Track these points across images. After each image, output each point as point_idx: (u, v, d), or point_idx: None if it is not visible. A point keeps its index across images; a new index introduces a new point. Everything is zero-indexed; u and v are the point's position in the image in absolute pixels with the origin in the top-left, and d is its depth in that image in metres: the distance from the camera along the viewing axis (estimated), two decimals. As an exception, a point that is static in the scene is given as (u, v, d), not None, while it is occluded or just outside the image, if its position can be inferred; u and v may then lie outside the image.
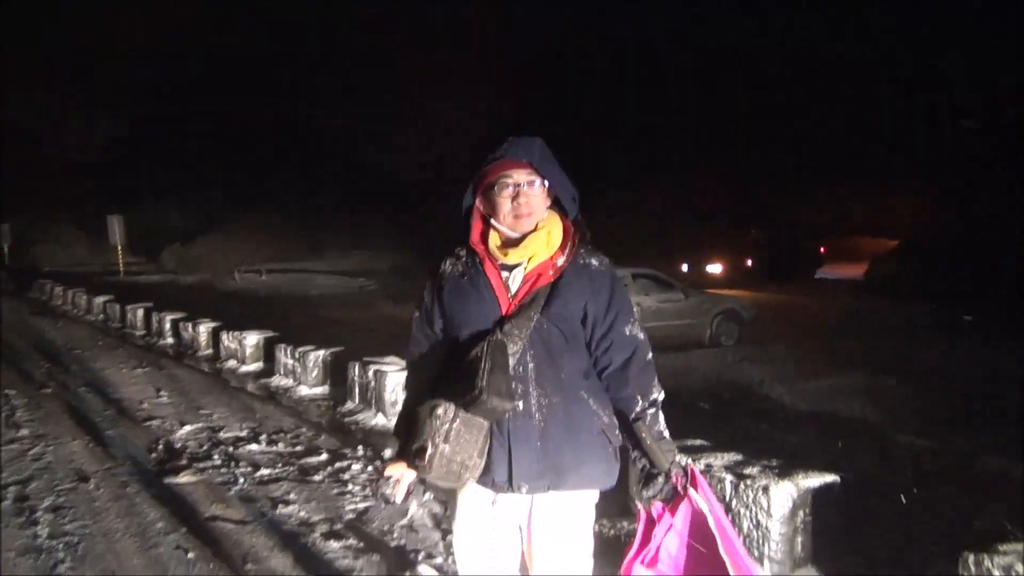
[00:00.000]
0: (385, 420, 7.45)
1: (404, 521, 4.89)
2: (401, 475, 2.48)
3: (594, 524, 2.54)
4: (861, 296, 23.01)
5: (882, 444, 7.17)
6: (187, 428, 7.44)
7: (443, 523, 4.75)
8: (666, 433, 2.45)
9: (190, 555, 4.49)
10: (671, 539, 2.34)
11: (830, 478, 4.29)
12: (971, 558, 3.23)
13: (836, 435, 7.37)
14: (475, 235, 2.48)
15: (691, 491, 2.33)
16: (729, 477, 4.30)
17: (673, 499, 2.36)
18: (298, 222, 38.76)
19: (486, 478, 2.38)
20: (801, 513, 4.18)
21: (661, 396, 2.48)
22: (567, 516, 2.44)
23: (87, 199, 38.77)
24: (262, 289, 27.64)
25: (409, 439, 2.35)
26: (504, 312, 2.40)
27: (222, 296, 24.16)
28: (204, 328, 12.34)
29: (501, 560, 2.49)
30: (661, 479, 2.38)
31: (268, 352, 10.61)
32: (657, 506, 2.38)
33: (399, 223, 35.51)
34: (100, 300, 18.74)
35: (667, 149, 31.47)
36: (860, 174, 28.60)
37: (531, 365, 2.37)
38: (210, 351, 12.02)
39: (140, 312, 15.53)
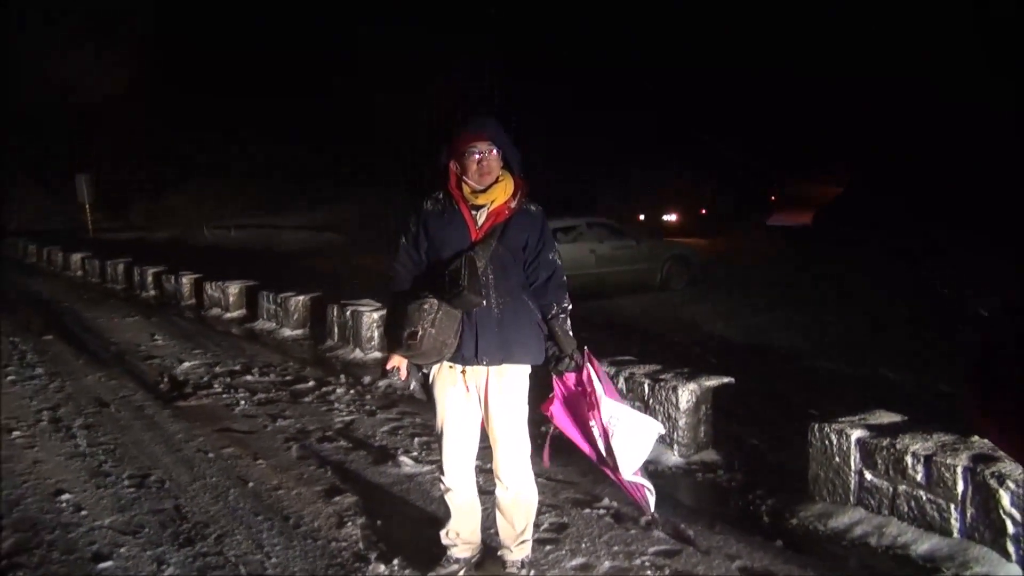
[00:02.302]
0: (362, 354, 8.43)
1: (390, 421, 5.93)
2: (400, 363, 3.47)
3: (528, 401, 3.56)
4: (807, 242, 24.19)
5: (787, 363, 8.30)
6: (186, 364, 8.37)
7: (421, 422, 5.78)
8: (570, 331, 3.48)
9: (210, 455, 5.48)
10: (572, 391, 3.42)
11: (726, 380, 5.35)
12: (815, 426, 4.30)
13: (758, 357, 8.50)
14: (452, 184, 3.46)
15: (587, 366, 3.37)
16: (647, 381, 5.35)
17: (575, 371, 3.41)
18: (264, 176, 39.23)
19: (458, 354, 3.38)
20: (704, 407, 5.24)
21: (570, 306, 3.52)
22: (513, 382, 3.45)
23: (51, 157, 39.00)
24: (232, 244, 28.33)
25: (399, 332, 3.32)
26: (473, 238, 3.40)
27: (194, 251, 24.82)
28: (187, 279, 13.19)
29: (468, 416, 3.50)
30: (566, 360, 3.41)
31: (249, 300, 11.52)
32: (566, 377, 3.43)
33: (364, 179, 36.09)
34: (77, 256, 19.44)
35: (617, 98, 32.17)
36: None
37: (491, 276, 3.37)
38: (193, 301, 12.88)
39: (121, 266, 16.30)
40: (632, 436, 3.36)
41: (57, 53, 38.50)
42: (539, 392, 3.56)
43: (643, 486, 3.44)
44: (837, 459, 4.18)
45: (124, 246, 23.68)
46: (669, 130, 31.77)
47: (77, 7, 40.06)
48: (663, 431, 3.56)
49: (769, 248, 23.41)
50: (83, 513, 4.51)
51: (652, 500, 3.46)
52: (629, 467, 3.37)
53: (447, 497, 3.62)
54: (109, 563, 3.89)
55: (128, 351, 9.26)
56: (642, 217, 27.06)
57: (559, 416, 3.45)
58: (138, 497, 4.74)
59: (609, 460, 3.39)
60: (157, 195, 39.91)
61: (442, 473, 3.61)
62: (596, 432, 3.38)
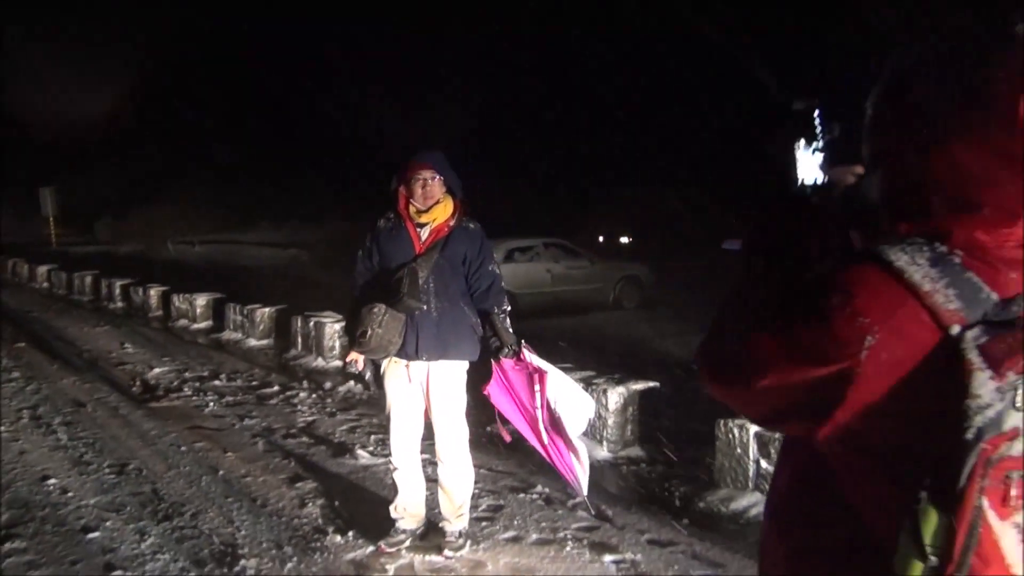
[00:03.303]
0: (324, 362, 8.95)
1: (349, 418, 6.48)
2: (357, 358, 4.05)
3: (467, 395, 4.14)
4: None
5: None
6: (157, 370, 8.85)
7: (379, 418, 6.34)
8: (510, 328, 4.06)
9: (183, 448, 5.99)
10: (512, 375, 3.99)
11: (652, 384, 5.98)
12: (721, 422, 4.93)
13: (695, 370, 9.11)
14: (401, 205, 4.06)
15: (524, 352, 3.96)
16: (581, 385, 5.92)
17: (512, 359, 3.99)
18: (229, 194, 39.52)
19: (402, 351, 3.96)
20: (631, 408, 5.86)
21: (508, 308, 4.12)
22: (450, 376, 4.03)
23: (15, 170, 39.05)
24: (196, 260, 28.65)
25: (355, 330, 3.91)
26: (417, 252, 4.00)
27: (159, 266, 25.11)
28: (155, 291, 13.63)
29: (411, 403, 4.07)
30: (506, 348, 3.98)
31: (216, 311, 11.99)
32: (504, 363, 4.01)
33: (330, 195, 36.54)
34: (44, 269, 19.71)
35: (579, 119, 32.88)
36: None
37: (432, 284, 3.96)
38: (161, 312, 13.31)
39: (88, 279, 16.66)
40: (572, 404, 3.95)
41: (25, 69, 38.67)
42: (484, 380, 4.14)
43: (573, 467, 4.01)
44: (739, 450, 4.81)
45: (89, 259, 23.94)
46: (634, 151, 32.55)
47: (47, 25, 40.33)
48: (594, 408, 4.22)
49: (724, 270, 24.19)
50: (69, 495, 5.01)
51: (584, 481, 4.03)
52: (575, 429, 3.95)
53: (395, 475, 4.20)
54: (96, 534, 4.41)
55: (100, 357, 9.70)
56: (601, 239, 27.80)
57: (495, 395, 4.03)
58: (118, 482, 5.25)
59: (554, 426, 3.95)
60: (122, 210, 40.03)
61: (391, 454, 4.18)
62: (538, 401, 3.95)
